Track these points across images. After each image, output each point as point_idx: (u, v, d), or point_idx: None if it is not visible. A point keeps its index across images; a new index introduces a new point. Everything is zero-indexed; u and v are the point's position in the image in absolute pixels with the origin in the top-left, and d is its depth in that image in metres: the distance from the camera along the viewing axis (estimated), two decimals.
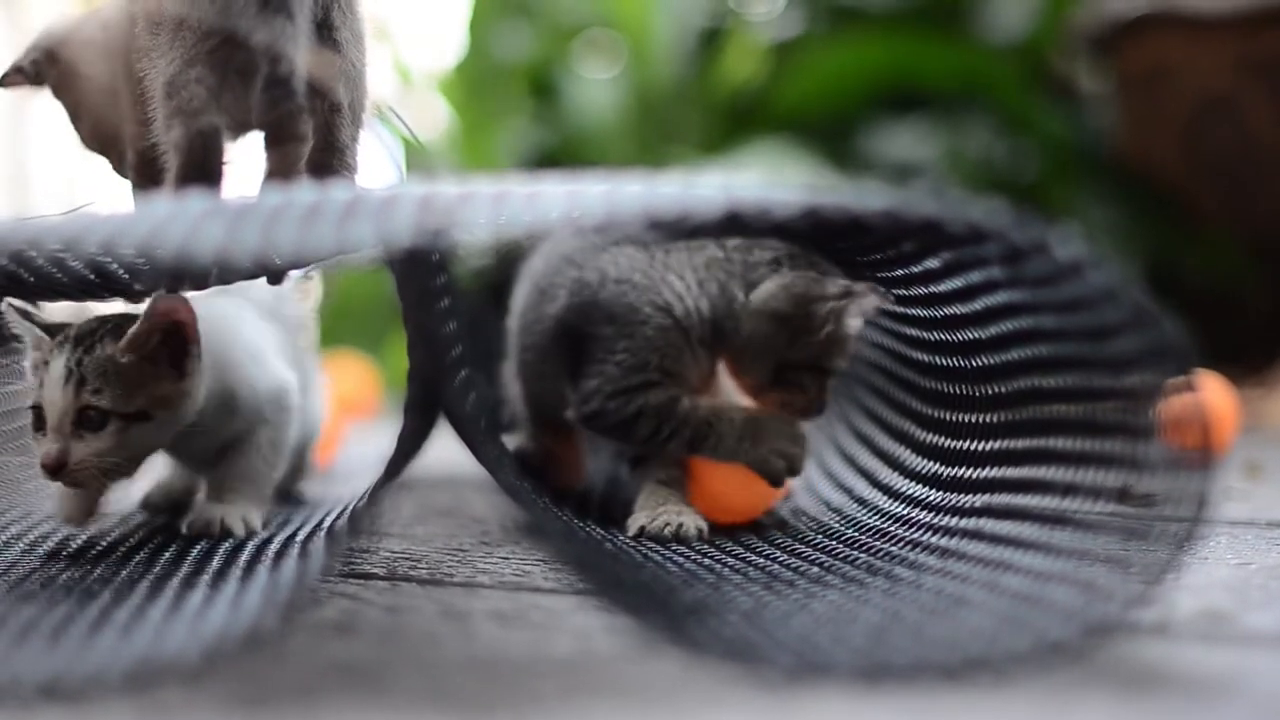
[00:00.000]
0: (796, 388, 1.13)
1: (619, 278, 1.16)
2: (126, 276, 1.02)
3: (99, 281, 1.04)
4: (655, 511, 1.13)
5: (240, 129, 1.01)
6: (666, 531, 1.11)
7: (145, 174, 1.02)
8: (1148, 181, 2.89)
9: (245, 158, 1.07)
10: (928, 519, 1.08)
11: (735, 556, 1.03)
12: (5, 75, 1.09)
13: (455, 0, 3.48)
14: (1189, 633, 0.79)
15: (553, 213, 0.77)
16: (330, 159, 0.99)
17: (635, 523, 1.13)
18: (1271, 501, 1.32)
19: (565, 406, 1.18)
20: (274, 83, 0.95)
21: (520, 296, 1.28)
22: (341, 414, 2.49)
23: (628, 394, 1.14)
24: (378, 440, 1.95)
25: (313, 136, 0.99)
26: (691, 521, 1.12)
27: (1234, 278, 2.79)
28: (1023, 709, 0.66)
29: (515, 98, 3.30)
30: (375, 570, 1.01)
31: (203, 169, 0.94)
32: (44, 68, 1.08)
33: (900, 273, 1.05)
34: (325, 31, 0.96)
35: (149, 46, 0.96)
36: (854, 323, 1.11)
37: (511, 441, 1.38)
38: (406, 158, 2.44)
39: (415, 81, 3.55)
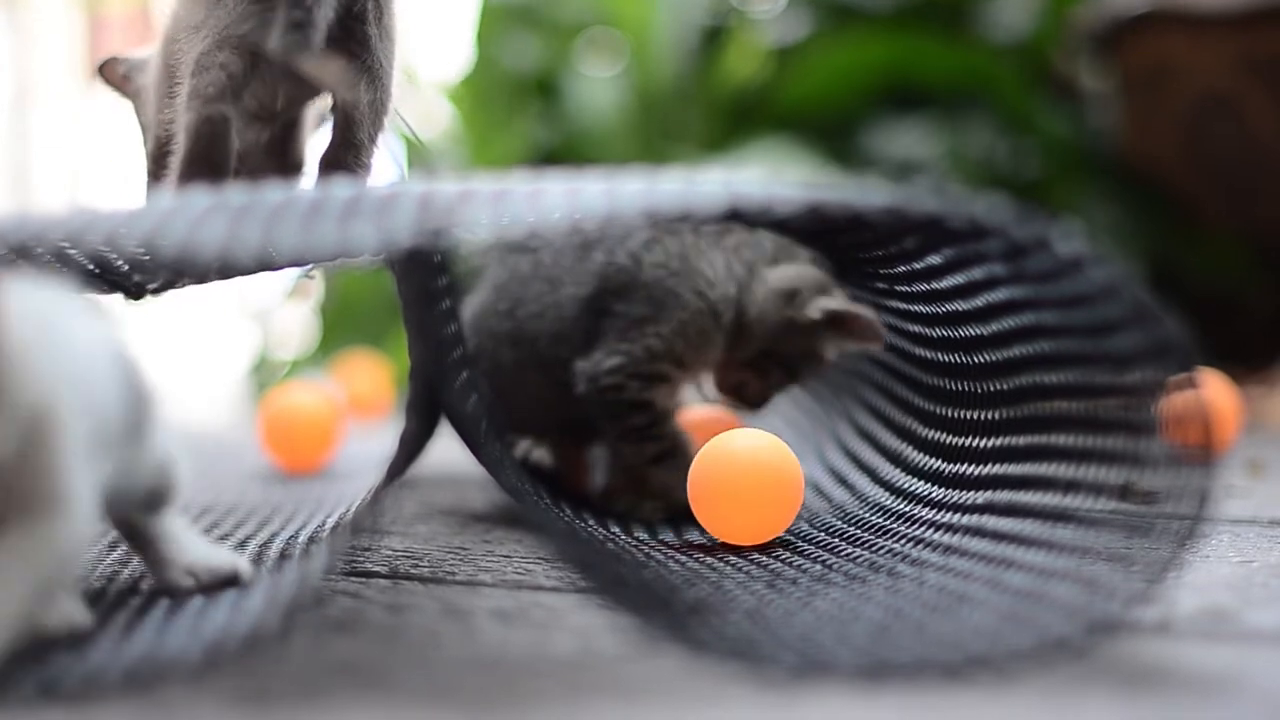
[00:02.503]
0: (761, 374, 1.20)
1: (656, 262, 1.19)
2: (126, 269, 1.02)
3: (99, 274, 1.04)
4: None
5: (271, 116, 1.02)
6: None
7: (160, 162, 1.03)
8: (1150, 180, 2.89)
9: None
10: (930, 515, 1.08)
11: (737, 554, 1.03)
12: (111, 59, 1.09)
13: (462, 10, 3.48)
14: (1190, 630, 0.79)
15: (554, 211, 0.77)
16: (346, 156, 0.98)
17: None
18: (1274, 499, 1.32)
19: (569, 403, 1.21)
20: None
21: (493, 309, 1.28)
22: (353, 413, 2.50)
23: (646, 380, 1.17)
24: (379, 440, 1.96)
25: (332, 133, 0.99)
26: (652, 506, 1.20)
27: (1236, 276, 2.79)
28: (1024, 707, 0.66)
29: (522, 104, 3.30)
30: (377, 568, 1.01)
31: (206, 158, 0.94)
32: (134, 72, 1.08)
33: (902, 269, 1.05)
34: (354, 25, 0.95)
35: (188, 24, 0.96)
36: (833, 346, 1.19)
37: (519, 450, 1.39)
38: (410, 157, 2.45)
39: (420, 83, 3.55)
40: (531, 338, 1.24)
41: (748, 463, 1.05)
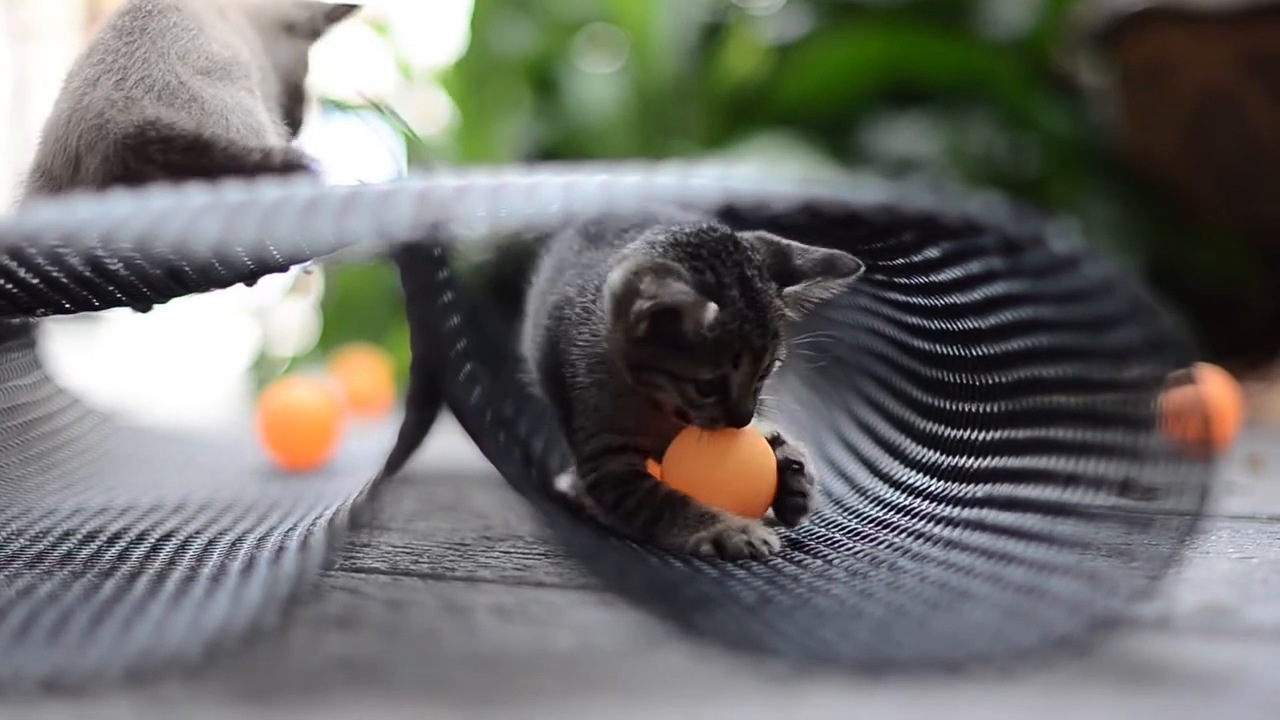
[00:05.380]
0: (659, 390, 1.01)
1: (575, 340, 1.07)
2: (129, 275, 1.01)
3: (101, 282, 1.03)
4: (715, 529, 1.00)
5: None
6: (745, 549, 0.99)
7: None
8: (1149, 177, 2.89)
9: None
10: (930, 509, 1.07)
11: None
12: None
13: None
14: (1190, 627, 0.79)
15: (551, 205, 0.77)
16: None
17: (700, 542, 0.99)
18: (1273, 496, 1.32)
19: None
20: None
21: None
22: (352, 410, 2.50)
23: (593, 459, 1.06)
24: (379, 436, 1.96)
25: None
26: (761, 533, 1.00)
27: (1235, 272, 2.79)
28: (1025, 703, 0.66)
29: (515, 92, 3.30)
30: (377, 565, 1.01)
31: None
32: None
33: (900, 261, 1.05)
34: None
35: None
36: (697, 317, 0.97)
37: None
38: (406, 152, 2.45)
39: (416, 77, 3.55)
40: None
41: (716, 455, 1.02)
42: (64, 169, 0.96)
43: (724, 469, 1.03)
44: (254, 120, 0.99)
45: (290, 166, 0.97)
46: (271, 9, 1.13)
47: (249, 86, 1.02)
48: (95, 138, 0.95)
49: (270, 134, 1.01)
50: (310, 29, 1.14)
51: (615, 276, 0.98)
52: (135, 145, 0.95)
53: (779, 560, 0.99)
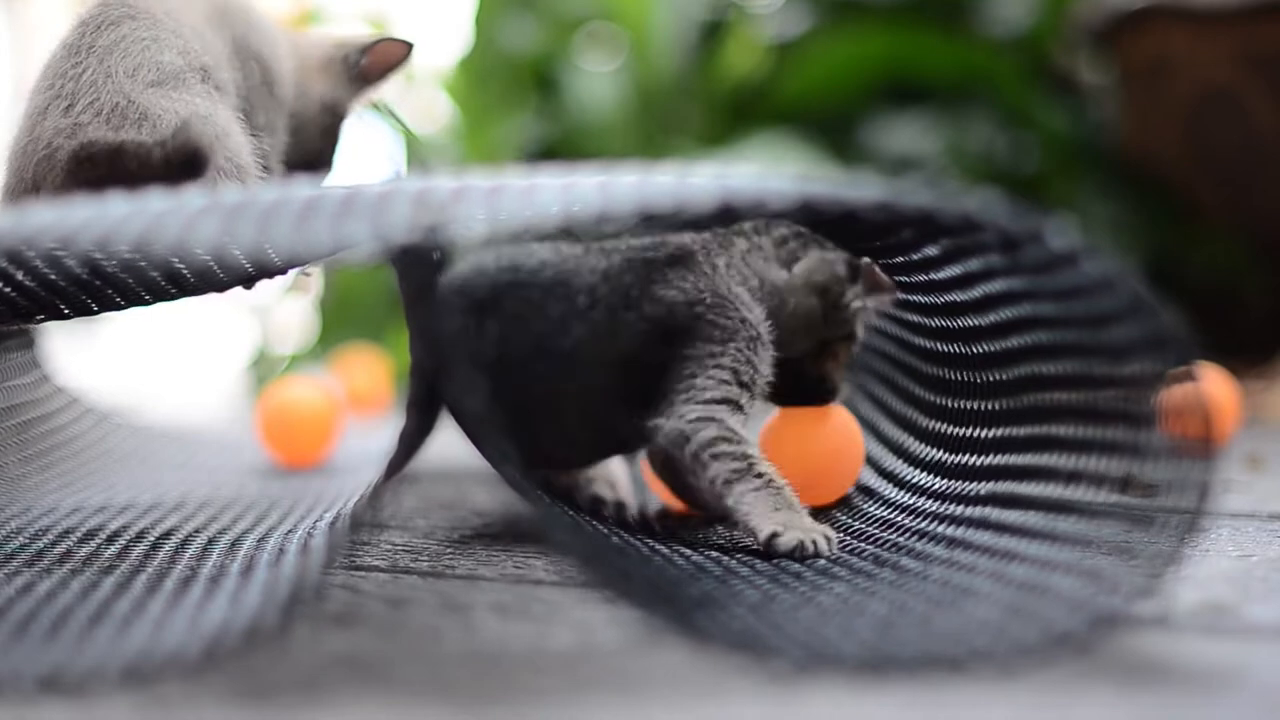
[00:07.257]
0: (834, 356, 1.16)
1: (686, 300, 1.09)
2: (126, 278, 1.01)
3: (99, 285, 1.03)
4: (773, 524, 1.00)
5: None
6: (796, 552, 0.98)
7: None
8: (1149, 175, 2.89)
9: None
10: (933, 507, 1.08)
11: (742, 549, 1.03)
12: None
13: None
14: (1190, 625, 0.79)
15: (549, 206, 0.77)
16: None
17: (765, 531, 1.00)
18: (1273, 493, 1.32)
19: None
20: None
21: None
22: (351, 408, 2.50)
23: (736, 433, 1.05)
24: (378, 435, 1.96)
25: None
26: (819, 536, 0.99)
27: (1235, 270, 2.79)
28: (1026, 701, 0.66)
29: (518, 91, 3.30)
30: (376, 562, 1.01)
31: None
32: None
33: (900, 259, 1.05)
34: None
35: None
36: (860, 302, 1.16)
37: None
38: (406, 152, 2.45)
39: (416, 77, 3.55)
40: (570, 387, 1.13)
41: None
42: (26, 195, 0.95)
43: (822, 449, 1.16)
44: (213, 125, 0.96)
45: (179, 155, 0.93)
46: (310, 45, 1.14)
47: (208, 90, 0.99)
48: (46, 169, 0.94)
49: (235, 134, 0.98)
50: (351, 71, 1.15)
51: (814, 262, 1.13)
52: (74, 169, 0.93)
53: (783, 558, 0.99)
